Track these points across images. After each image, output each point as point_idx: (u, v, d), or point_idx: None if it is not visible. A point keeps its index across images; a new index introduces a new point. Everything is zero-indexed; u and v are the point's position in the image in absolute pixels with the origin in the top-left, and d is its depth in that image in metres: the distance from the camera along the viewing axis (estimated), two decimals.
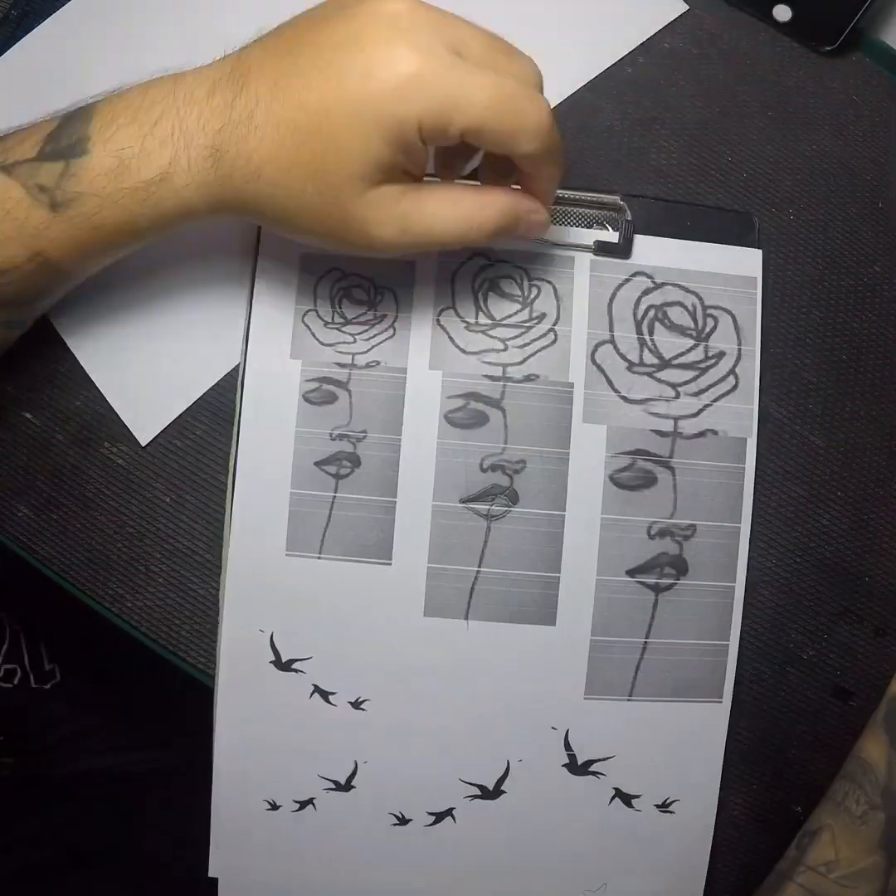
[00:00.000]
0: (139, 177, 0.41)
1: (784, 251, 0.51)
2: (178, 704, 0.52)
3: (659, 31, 0.52)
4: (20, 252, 0.41)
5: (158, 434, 0.50)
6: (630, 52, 0.51)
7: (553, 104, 0.51)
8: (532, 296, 0.49)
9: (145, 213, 0.41)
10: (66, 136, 0.41)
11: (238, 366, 0.49)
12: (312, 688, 0.49)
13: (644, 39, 0.52)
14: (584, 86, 0.51)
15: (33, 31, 0.50)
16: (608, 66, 0.51)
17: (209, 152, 0.40)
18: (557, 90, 0.51)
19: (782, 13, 0.51)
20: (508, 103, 0.39)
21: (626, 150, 0.51)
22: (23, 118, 0.50)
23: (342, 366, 0.48)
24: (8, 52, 0.50)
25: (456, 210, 0.42)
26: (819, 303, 0.51)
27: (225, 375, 0.50)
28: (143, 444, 0.50)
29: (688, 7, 0.52)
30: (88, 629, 0.60)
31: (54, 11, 0.50)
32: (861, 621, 0.51)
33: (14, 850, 0.76)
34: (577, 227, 0.49)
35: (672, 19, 0.52)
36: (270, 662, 0.48)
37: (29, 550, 0.49)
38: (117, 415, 0.49)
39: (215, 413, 0.50)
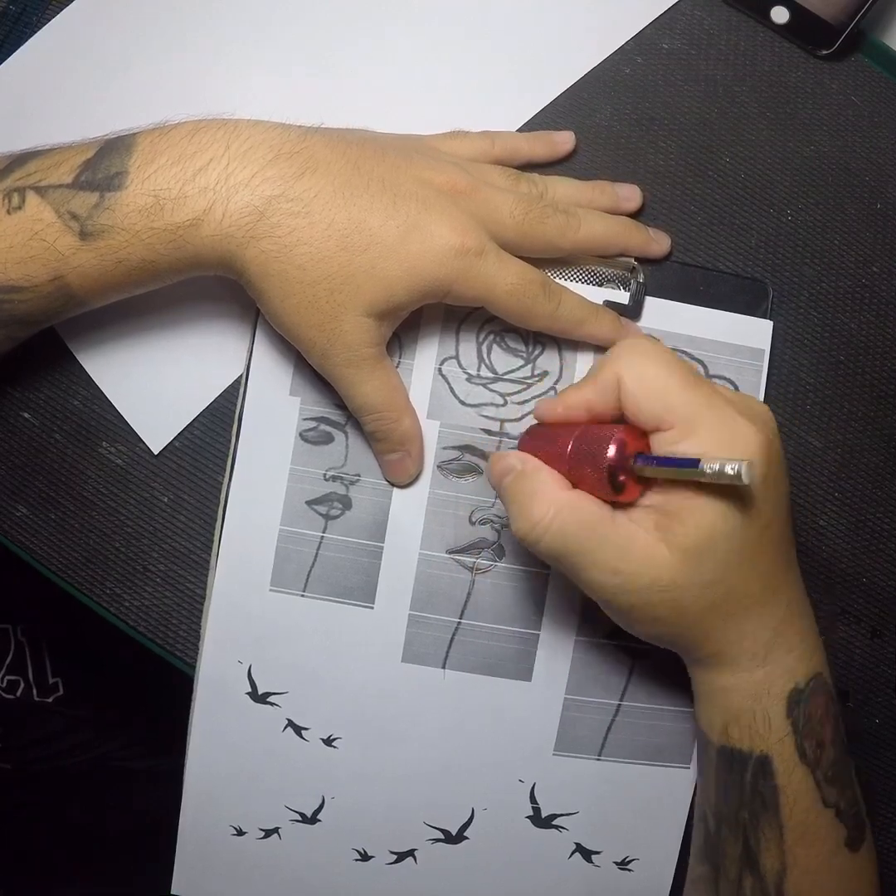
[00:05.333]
0: (171, 219, 0.41)
1: (782, 253, 0.51)
2: (178, 705, 0.52)
3: (657, 32, 0.51)
4: (42, 273, 0.42)
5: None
6: (628, 53, 0.51)
7: (558, 92, 0.51)
8: (536, 353, 0.49)
9: (169, 254, 0.42)
10: (103, 166, 0.42)
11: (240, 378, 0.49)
12: (286, 722, 0.49)
13: (653, 19, 0.51)
14: (583, 86, 0.51)
15: (26, 43, 0.50)
16: (615, 49, 0.51)
17: (251, 211, 0.41)
18: (558, 81, 0.51)
19: (780, 15, 0.51)
20: (527, 292, 0.45)
21: (624, 150, 0.51)
22: (20, 128, 0.50)
23: (341, 407, 0.48)
24: (4, 63, 0.50)
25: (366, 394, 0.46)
26: (817, 304, 0.51)
27: (233, 383, 0.50)
28: (156, 453, 0.50)
29: None
30: (89, 634, 0.60)
31: (51, 7, 0.50)
32: (859, 622, 0.52)
33: (13, 847, 0.76)
34: (587, 284, 0.49)
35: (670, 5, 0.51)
36: (246, 694, 0.49)
37: (27, 550, 0.50)
38: (115, 415, 0.50)
39: (213, 414, 0.50)
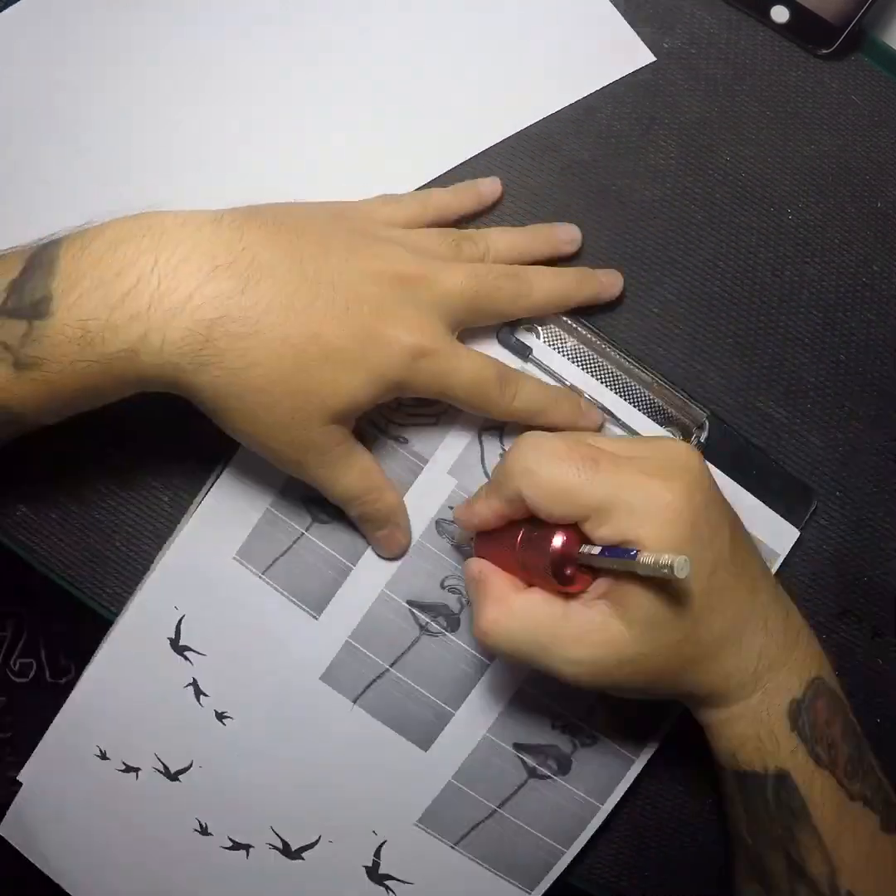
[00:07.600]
0: (103, 349, 0.38)
1: (782, 252, 0.51)
2: None
3: (657, 31, 0.51)
4: None
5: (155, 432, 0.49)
6: None
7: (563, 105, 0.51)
8: None
9: (107, 382, 0.40)
10: (28, 290, 0.39)
11: None
12: (191, 680, 0.49)
13: (604, 84, 0.51)
14: None
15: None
16: (575, 99, 0.51)
17: (193, 337, 0.39)
18: (558, 98, 0.51)
19: (780, 14, 0.51)
20: (481, 387, 0.44)
21: (624, 149, 0.51)
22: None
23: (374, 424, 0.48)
24: None
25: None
26: (817, 303, 0.51)
27: None
28: None
29: (655, 58, 0.51)
30: (93, 626, 0.60)
31: None
32: (860, 622, 0.51)
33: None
34: (647, 415, 0.49)
35: (635, 69, 0.51)
36: (168, 639, 0.49)
37: (27, 549, 0.50)
38: (115, 414, 0.49)
39: None
